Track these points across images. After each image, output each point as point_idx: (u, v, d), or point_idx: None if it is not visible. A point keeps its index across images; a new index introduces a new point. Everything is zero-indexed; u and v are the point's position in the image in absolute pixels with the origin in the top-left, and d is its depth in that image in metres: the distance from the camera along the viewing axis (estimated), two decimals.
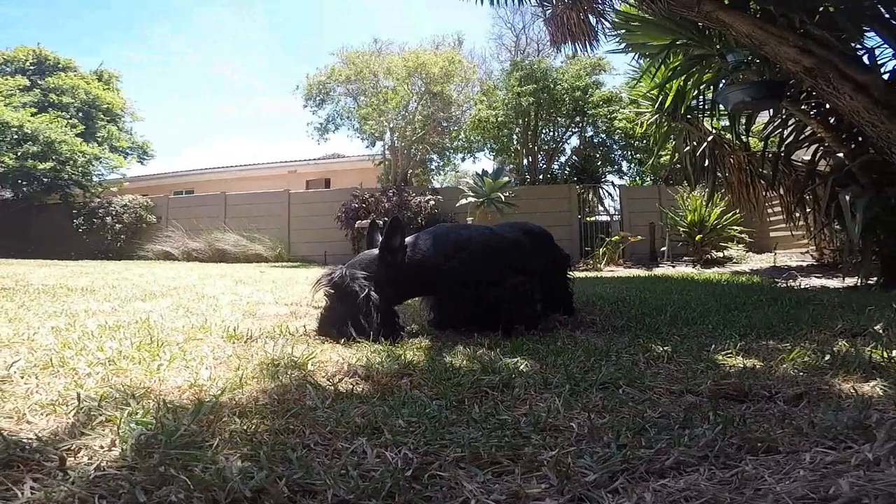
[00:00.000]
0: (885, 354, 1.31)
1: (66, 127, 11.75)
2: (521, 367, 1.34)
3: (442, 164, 16.19)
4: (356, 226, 10.17)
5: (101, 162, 12.60)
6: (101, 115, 13.49)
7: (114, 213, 11.32)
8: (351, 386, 1.18)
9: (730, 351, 1.48)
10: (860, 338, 1.62)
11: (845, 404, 0.98)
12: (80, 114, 13.03)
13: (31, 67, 13.41)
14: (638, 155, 12.25)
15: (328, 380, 1.22)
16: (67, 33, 32.41)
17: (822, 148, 3.96)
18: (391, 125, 13.00)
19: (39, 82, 13.03)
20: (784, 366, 1.29)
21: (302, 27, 37.94)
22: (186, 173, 16.03)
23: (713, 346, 1.55)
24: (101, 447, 0.79)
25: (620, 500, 0.64)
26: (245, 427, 0.87)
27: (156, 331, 1.78)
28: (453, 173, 17.49)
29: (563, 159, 13.84)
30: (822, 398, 1.04)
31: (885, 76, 3.39)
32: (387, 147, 13.35)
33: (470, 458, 0.77)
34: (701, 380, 1.18)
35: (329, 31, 37.07)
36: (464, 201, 9.58)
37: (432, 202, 10.46)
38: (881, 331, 1.67)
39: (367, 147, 13.83)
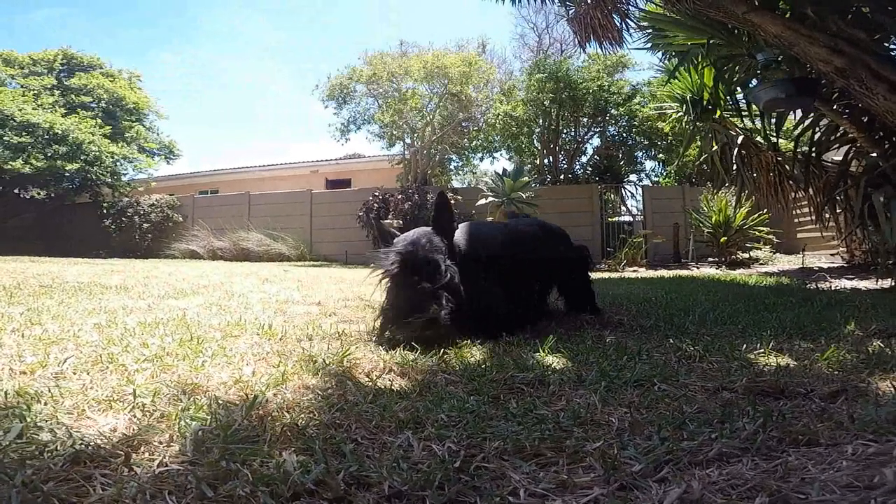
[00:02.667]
0: None
1: (94, 127, 12.09)
2: (554, 365, 1.35)
3: (461, 164, 16.22)
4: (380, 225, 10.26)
5: (130, 162, 12.95)
6: (127, 114, 13.83)
7: (142, 212, 11.64)
8: (389, 382, 1.20)
9: (762, 350, 1.48)
10: (895, 339, 1.60)
11: (883, 400, 0.98)
12: (105, 113, 13.36)
13: (61, 67, 13.81)
14: (661, 155, 12.08)
15: (366, 376, 1.25)
16: (99, 36, 33.37)
17: (854, 148, 3.87)
18: (411, 126, 13.08)
19: (65, 82, 13.41)
20: (818, 364, 1.29)
21: (326, 31, 38.36)
22: (211, 173, 16.36)
23: (744, 345, 1.54)
24: (161, 443, 0.81)
25: (668, 488, 0.65)
26: (296, 421, 0.90)
27: (193, 328, 1.84)
28: (472, 174, 17.49)
29: (584, 159, 13.73)
30: (860, 395, 1.04)
31: None
32: (406, 147, 13.43)
33: (513, 450, 0.79)
34: (735, 377, 1.19)
35: (354, 35, 37.47)
36: (483, 201, 9.58)
37: (452, 202, 10.48)
38: None
39: (386, 148, 13.95)
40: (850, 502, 0.58)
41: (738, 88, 4.60)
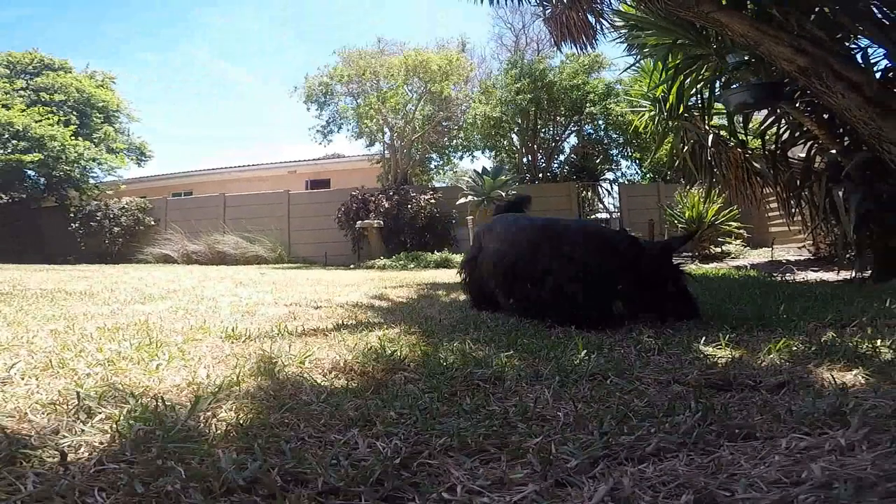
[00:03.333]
0: (870, 344, 1.33)
1: (57, 123, 11.74)
2: (515, 361, 1.36)
3: (442, 163, 16.22)
4: (357, 226, 10.20)
5: (98, 164, 12.60)
6: (97, 114, 13.49)
7: (111, 216, 11.33)
8: (346, 382, 1.20)
9: (720, 342, 1.50)
10: (848, 328, 1.64)
11: (826, 392, 1.00)
12: (75, 112, 13.03)
13: (31, 70, 13.44)
14: (636, 154, 12.27)
15: (324, 376, 1.25)
16: (64, 35, 32.38)
17: (816, 145, 3.98)
18: (390, 124, 13.03)
19: (31, 82, 13.07)
20: (771, 356, 1.31)
21: (306, 29, 37.92)
22: (184, 175, 16.01)
23: (704, 338, 1.57)
24: (101, 443, 0.81)
25: (599, 484, 0.66)
26: (241, 421, 0.90)
27: (154, 332, 1.80)
28: (452, 172, 17.50)
29: (562, 157, 13.87)
30: (804, 387, 1.06)
31: (878, 75, 3.42)
32: (386, 147, 13.37)
33: (459, 446, 0.79)
34: (688, 370, 1.21)
35: (333, 33, 37.05)
36: (463, 200, 9.60)
37: (433, 201, 10.48)
38: (868, 321, 1.69)
39: (366, 147, 13.85)
40: (774, 499, 0.59)
41: (707, 88, 4.69)
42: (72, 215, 11.54)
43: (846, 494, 0.59)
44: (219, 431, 0.85)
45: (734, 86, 3.89)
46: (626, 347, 1.52)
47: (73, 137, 11.84)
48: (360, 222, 10.07)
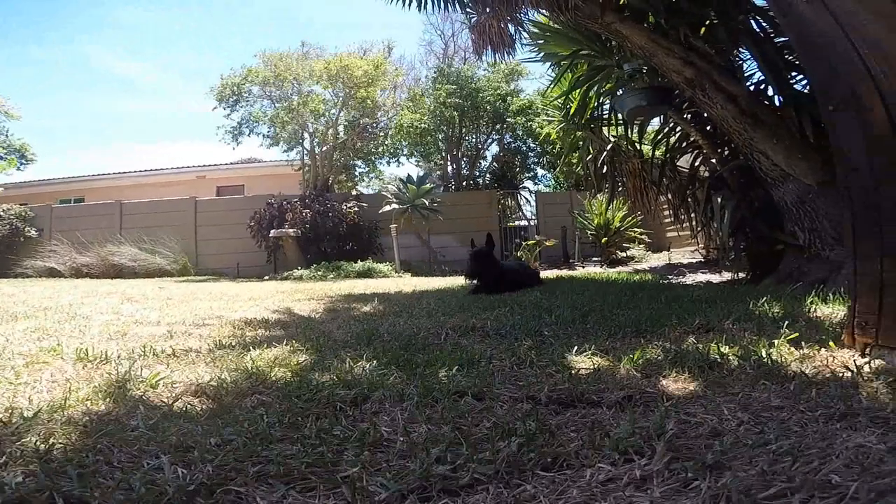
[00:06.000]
0: (721, 350, 1.35)
1: None
2: (390, 379, 1.30)
3: (367, 170, 15.98)
4: (271, 235, 9.72)
5: None
6: None
7: None
8: (191, 405, 1.14)
9: (589, 352, 1.49)
10: (711, 333, 1.68)
11: (658, 409, 0.97)
12: None
13: None
14: (550, 163, 12.84)
15: (170, 400, 1.18)
16: None
17: (701, 155, 4.32)
18: (311, 129, 12.62)
19: None
20: (627, 367, 1.30)
21: (226, 29, 35.75)
22: (75, 179, 14.46)
23: (576, 347, 1.56)
24: None
25: None
26: (45, 446, 0.86)
27: None
28: (378, 179, 17.30)
29: (484, 166, 14.18)
30: (644, 402, 1.03)
31: (752, 87, 3.75)
32: (307, 153, 12.94)
33: (280, 474, 0.77)
34: (542, 385, 1.18)
35: (254, 35, 35.16)
36: (388, 208, 9.47)
37: (356, 209, 10.25)
38: (730, 325, 1.75)
39: (284, 152, 13.33)
40: None
41: (609, 99, 4.97)
42: None
43: None
44: (13, 455, 0.82)
45: (627, 90, 4.12)
46: (502, 360, 1.49)
47: None
48: (274, 231, 9.60)
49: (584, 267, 7.73)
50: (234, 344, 1.92)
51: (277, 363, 1.56)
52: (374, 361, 1.54)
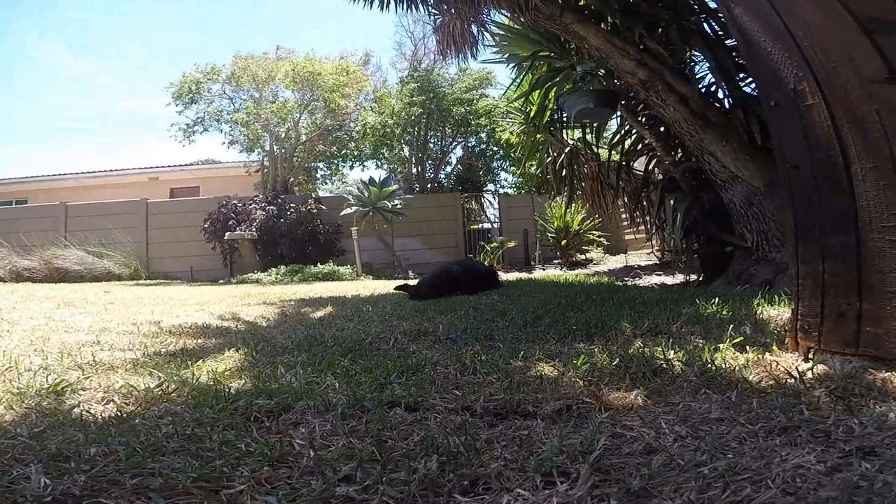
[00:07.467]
0: (667, 355, 1.32)
1: None
2: (319, 389, 1.22)
3: (329, 172, 15.68)
4: (226, 237, 9.39)
5: None
6: None
7: None
8: (87, 414, 1.07)
9: (534, 357, 1.44)
10: (660, 336, 1.66)
11: (594, 421, 0.91)
12: None
13: None
14: (513, 166, 12.95)
15: (69, 409, 1.10)
16: None
17: (655, 157, 4.39)
18: (271, 131, 12.30)
19: None
20: (570, 374, 1.24)
21: (201, 31, 34.29)
22: (16, 181, 13.65)
23: (522, 353, 1.50)
24: None
25: None
26: None
27: None
28: (341, 182, 17.02)
29: (448, 168, 14.16)
30: (581, 414, 0.98)
31: (703, 89, 3.81)
32: (266, 154, 12.59)
33: (161, 488, 0.72)
34: (479, 395, 1.11)
35: (231, 39, 33.88)
36: (349, 210, 9.28)
37: (314, 210, 10.03)
38: (677, 328, 1.73)
39: (241, 153, 12.92)
40: None
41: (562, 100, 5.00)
42: None
43: None
44: None
45: (575, 92, 4.14)
46: (447, 367, 1.41)
47: None
48: (228, 234, 9.27)
49: (544, 269, 7.80)
50: (162, 351, 1.80)
51: (201, 370, 1.45)
52: (309, 368, 1.44)
